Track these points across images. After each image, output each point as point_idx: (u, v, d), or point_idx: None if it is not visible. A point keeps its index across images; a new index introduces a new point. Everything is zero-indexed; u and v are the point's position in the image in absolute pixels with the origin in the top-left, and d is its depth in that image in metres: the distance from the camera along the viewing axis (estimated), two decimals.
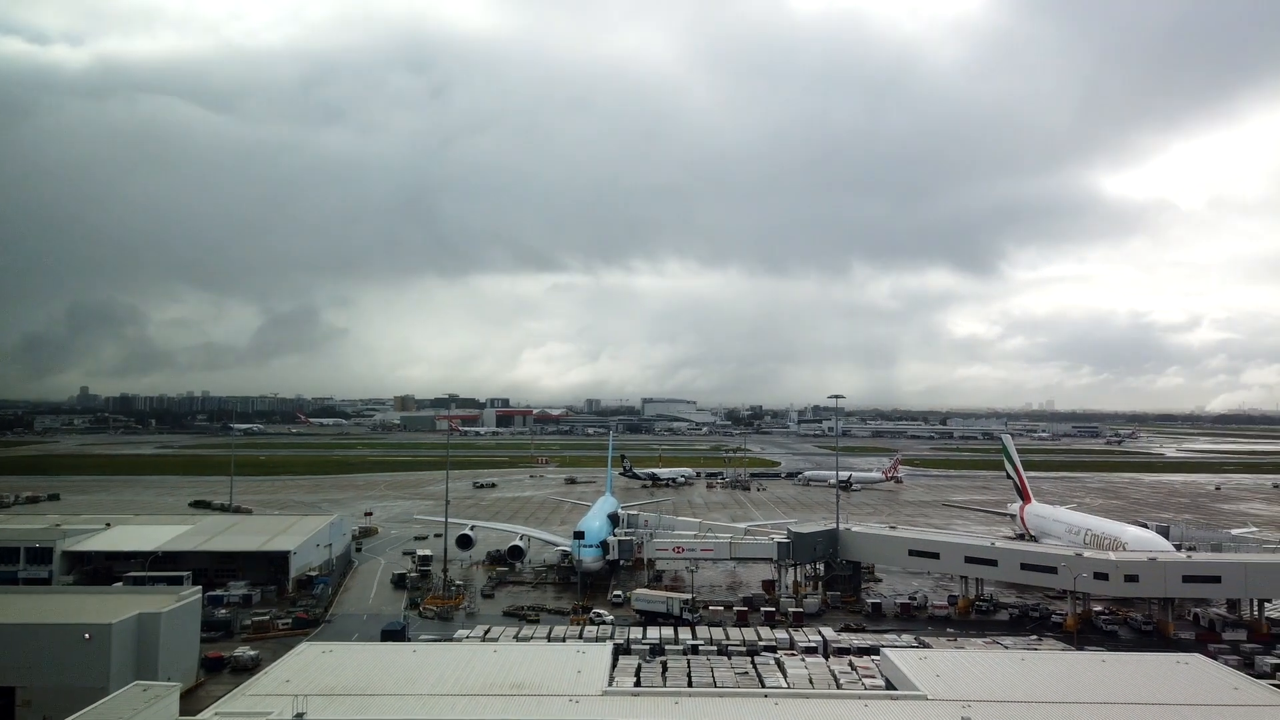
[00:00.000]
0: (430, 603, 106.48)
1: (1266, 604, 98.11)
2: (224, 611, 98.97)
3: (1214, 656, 71.60)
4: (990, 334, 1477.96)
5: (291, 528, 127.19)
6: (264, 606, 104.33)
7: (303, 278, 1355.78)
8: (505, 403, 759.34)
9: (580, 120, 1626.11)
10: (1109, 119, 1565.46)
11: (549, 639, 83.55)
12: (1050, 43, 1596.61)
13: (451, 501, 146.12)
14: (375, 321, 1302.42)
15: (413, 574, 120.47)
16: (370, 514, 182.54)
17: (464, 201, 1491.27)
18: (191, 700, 66.99)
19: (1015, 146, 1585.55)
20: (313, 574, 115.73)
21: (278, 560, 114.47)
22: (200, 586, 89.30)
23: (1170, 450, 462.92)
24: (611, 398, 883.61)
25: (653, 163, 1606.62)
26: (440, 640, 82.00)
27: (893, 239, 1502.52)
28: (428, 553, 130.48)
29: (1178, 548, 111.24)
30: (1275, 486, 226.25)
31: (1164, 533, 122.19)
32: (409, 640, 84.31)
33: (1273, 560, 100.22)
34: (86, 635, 66.22)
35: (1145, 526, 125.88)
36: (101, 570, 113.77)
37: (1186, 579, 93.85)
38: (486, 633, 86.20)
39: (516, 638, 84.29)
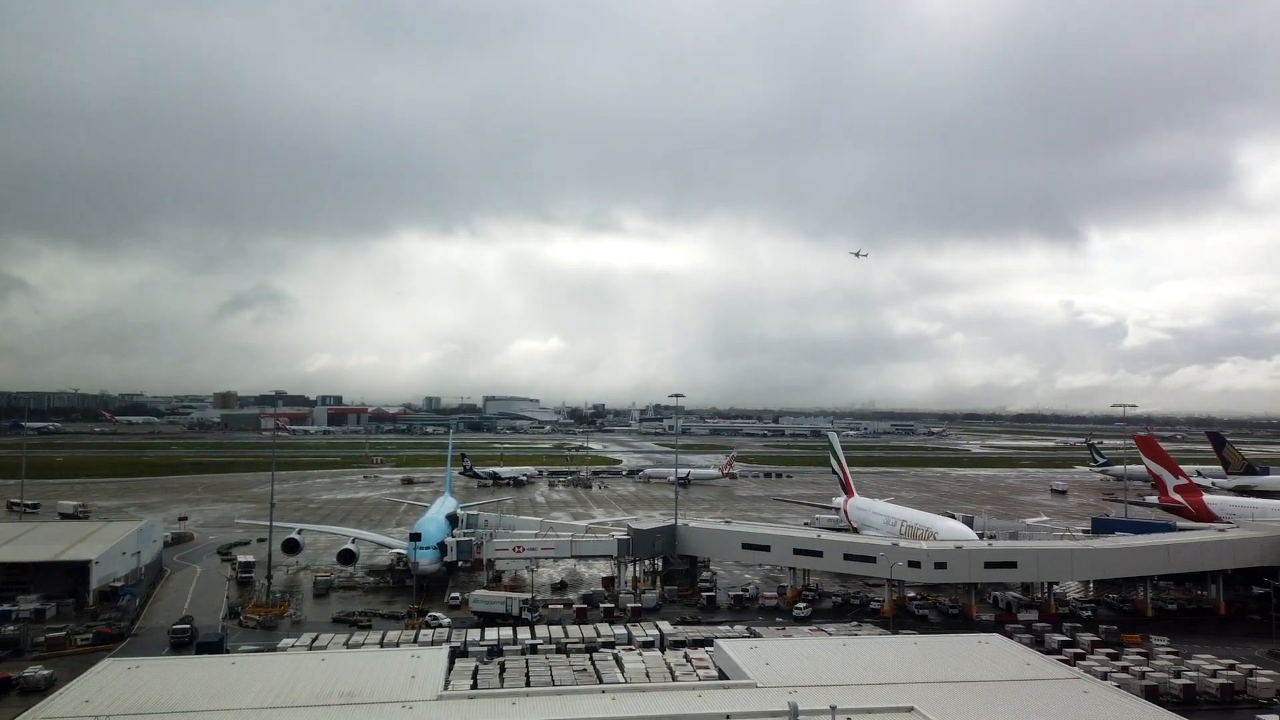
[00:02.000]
0: (252, 611, 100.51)
1: (1054, 586, 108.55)
2: (12, 628, 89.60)
3: (1010, 636, 78.41)
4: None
5: (93, 535, 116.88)
6: (61, 621, 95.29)
7: None
8: (338, 400, 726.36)
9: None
10: None
11: (382, 644, 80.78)
12: None
13: (277, 504, 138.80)
14: (199, 310, 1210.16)
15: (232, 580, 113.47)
16: (185, 519, 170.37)
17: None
18: None
19: None
20: (118, 584, 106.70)
21: (77, 570, 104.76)
22: None
23: (975, 446, 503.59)
24: (452, 396, 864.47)
25: None
26: (263, 651, 77.58)
27: None
28: (250, 558, 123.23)
29: (981, 537, 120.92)
30: (1053, 491, 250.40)
31: (969, 523, 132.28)
32: (227, 652, 79.22)
33: (1060, 547, 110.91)
34: None
35: (954, 517, 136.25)
36: None
37: (988, 565, 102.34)
38: (314, 641, 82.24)
39: (347, 645, 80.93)
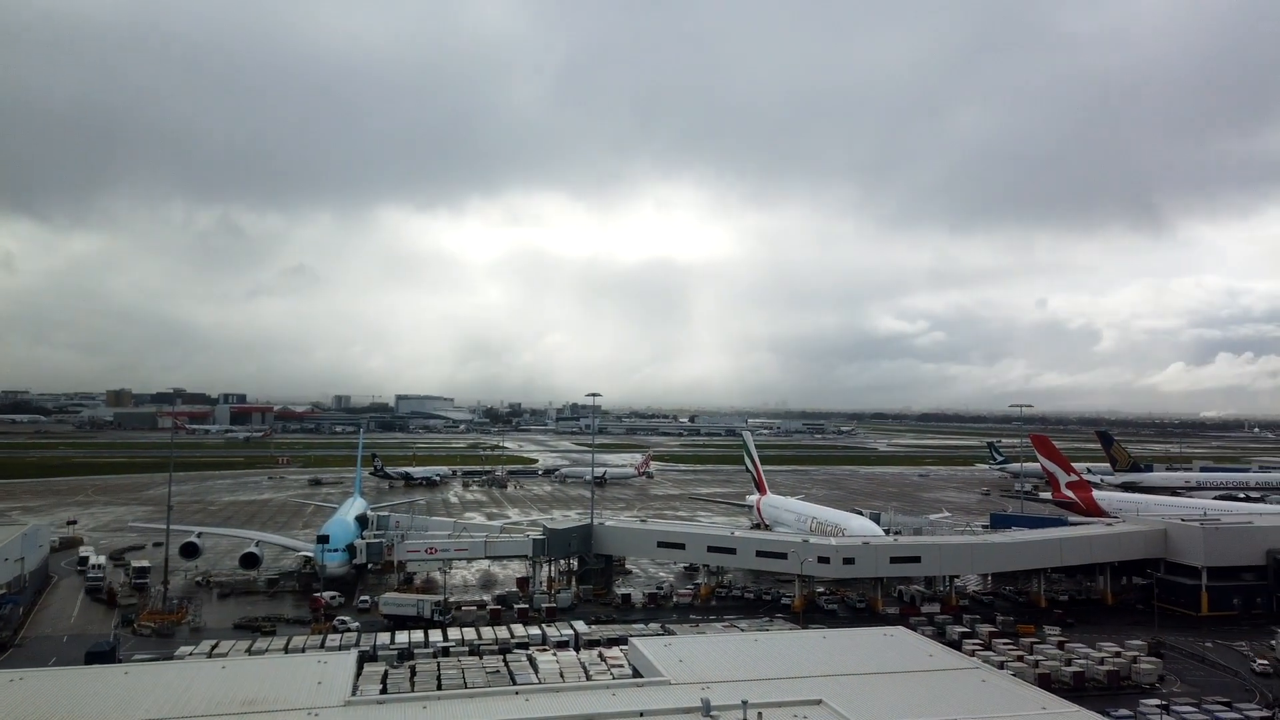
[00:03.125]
0: (147, 619, 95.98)
1: (955, 579, 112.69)
2: None
3: (914, 628, 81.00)
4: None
5: None
6: None
7: None
8: (241, 399, 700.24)
9: None
10: None
11: (286, 650, 78.28)
12: None
13: (176, 507, 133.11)
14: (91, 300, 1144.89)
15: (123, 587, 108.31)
16: (74, 522, 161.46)
17: None
18: None
19: None
20: (0, 593, 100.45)
21: None
22: None
23: (882, 445, 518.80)
24: (363, 394, 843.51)
25: None
26: (158, 660, 74.24)
27: None
28: (145, 563, 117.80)
29: (887, 533, 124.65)
30: (986, 494, 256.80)
31: (876, 519, 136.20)
32: (120, 662, 75.50)
33: (961, 541, 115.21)
34: None
35: (861, 514, 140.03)
36: None
37: (893, 560, 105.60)
38: (214, 648, 79.09)
39: (249, 651, 78.17)
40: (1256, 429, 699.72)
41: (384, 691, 57.35)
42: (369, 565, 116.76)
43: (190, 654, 76.70)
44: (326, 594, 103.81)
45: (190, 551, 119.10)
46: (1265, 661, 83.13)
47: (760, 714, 44.78)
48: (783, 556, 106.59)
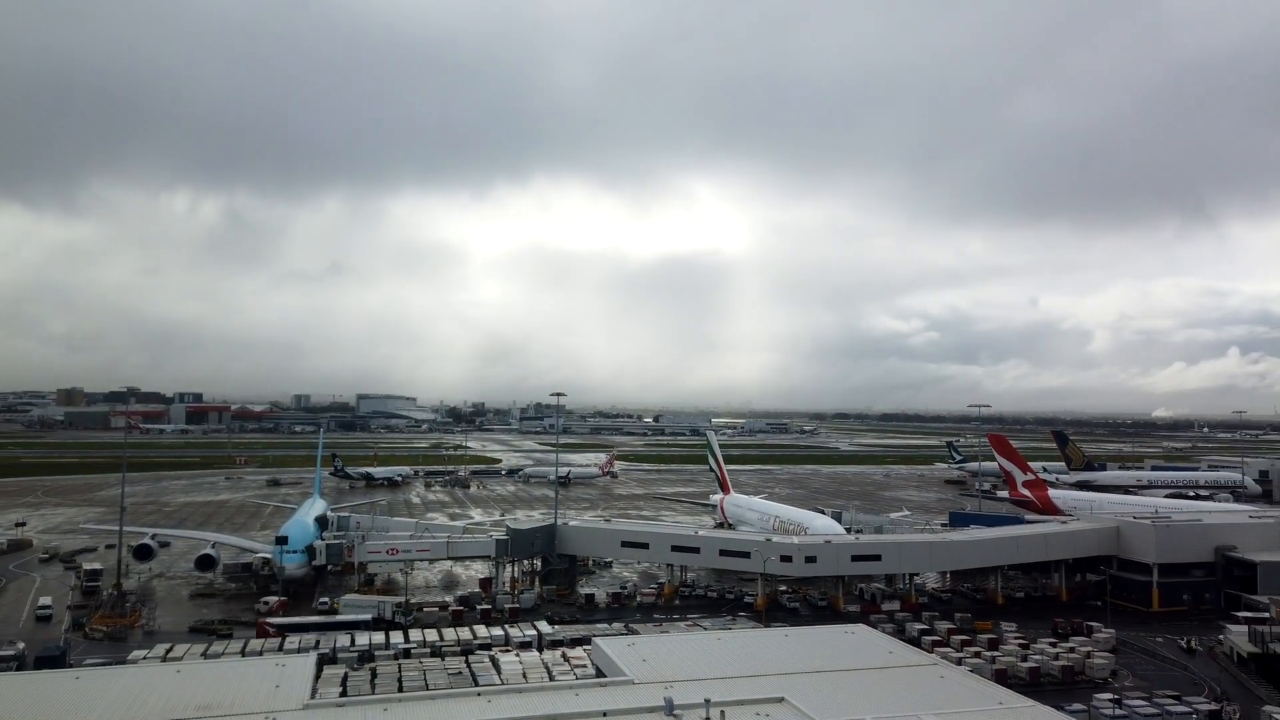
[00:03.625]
0: (99, 622, 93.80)
1: (915, 577, 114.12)
2: None
3: (874, 625, 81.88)
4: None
5: None
6: None
7: None
8: (198, 398, 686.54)
9: None
10: None
11: (244, 654, 76.90)
12: None
13: (130, 508, 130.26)
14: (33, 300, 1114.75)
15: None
16: (23, 524, 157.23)
17: None
18: None
19: None
20: None
21: None
22: None
23: (844, 444, 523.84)
24: (323, 394, 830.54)
25: None
26: (111, 664, 72.55)
27: None
28: (96, 566, 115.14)
29: (848, 531, 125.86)
30: (947, 482, 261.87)
31: (838, 518, 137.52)
32: (71, 666, 73.67)
33: (921, 539, 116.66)
34: None
35: (824, 513, 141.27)
36: None
37: (855, 558, 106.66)
38: (169, 651, 77.52)
39: (205, 655, 76.69)
40: (1206, 429, 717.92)
41: (344, 694, 56.62)
42: (329, 567, 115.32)
43: (144, 658, 75.13)
44: (272, 619, 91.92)
45: (144, 554, 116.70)
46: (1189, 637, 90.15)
47: (723, 712, 44.99)
48: (746, 555, 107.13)
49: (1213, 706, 69.18)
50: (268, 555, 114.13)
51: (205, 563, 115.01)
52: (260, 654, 75.57)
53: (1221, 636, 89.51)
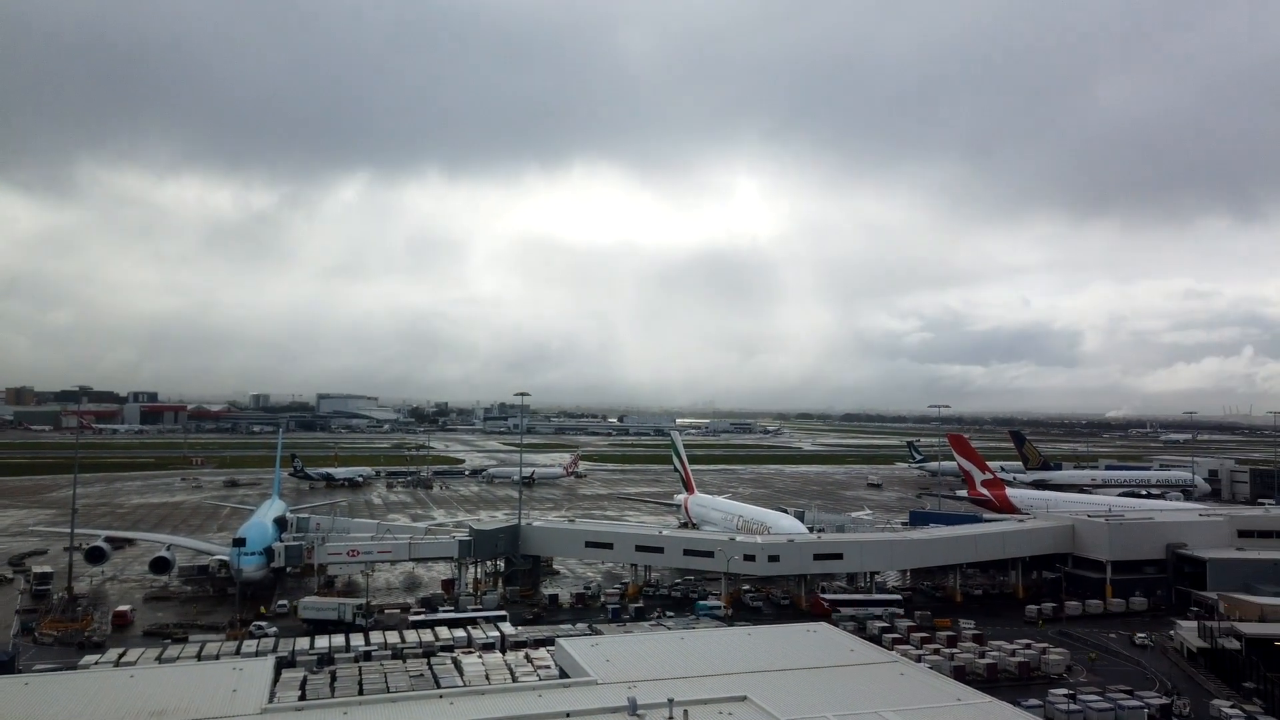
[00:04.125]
0: (49, 626, 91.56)
1: (876, 575, 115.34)
2: None
3: (836, 624, 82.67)
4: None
5: None
6: None
7: None
8: (153, 397, 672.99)
9: None
10: None
11: (200, 658, 75.51)
12: None
13: (82, 510, 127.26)
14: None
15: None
16: None
17: None
18: None
19: None
20: None
21: None
22: None
23: (807, 444, 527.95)
24: (283, 393, 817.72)
25: None
26: (61, 669, 70.77)
27: None
28: (47, 569, 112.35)
29: (811, 530, 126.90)
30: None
31: (801, 517, 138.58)
32: (19, 672, 71.75)
33: (880, 538, 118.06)
34: None
35: (786, 512, 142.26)
36: None
37: (817, 557, 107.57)
38: (121, 656, 75.75)
39: (159, 660, 75.10)
40: (1157, 430, 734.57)
41: (303, 698, 55.75)
42: (288, 569, 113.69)
43: (96, 663, 73.32)
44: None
45: (96, 557, 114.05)
46: (1144, 635, 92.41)
47: (686, 712, 45.07)
48: (710, 555, 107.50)
49: (1164, 701, 70.84)
50: (225, 557, 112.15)
51: (160, 565, 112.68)
52: (217, 658, 74.35)
53: (1172, 632, 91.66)
